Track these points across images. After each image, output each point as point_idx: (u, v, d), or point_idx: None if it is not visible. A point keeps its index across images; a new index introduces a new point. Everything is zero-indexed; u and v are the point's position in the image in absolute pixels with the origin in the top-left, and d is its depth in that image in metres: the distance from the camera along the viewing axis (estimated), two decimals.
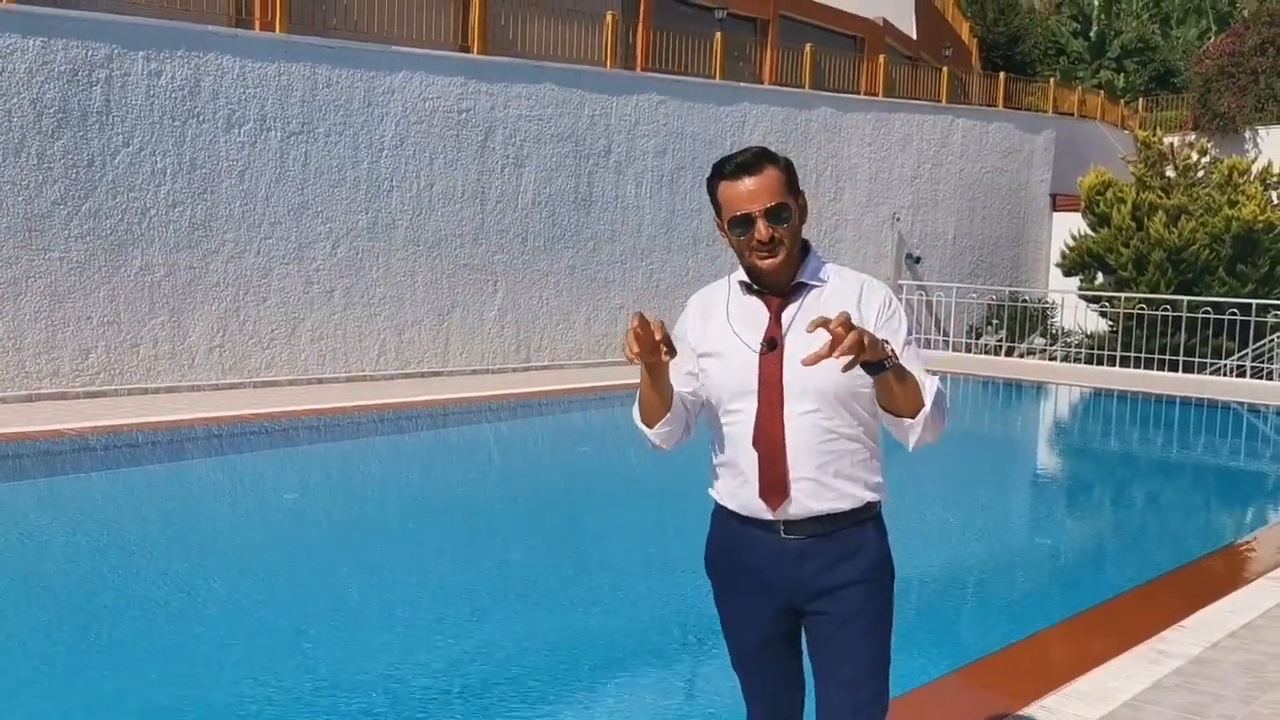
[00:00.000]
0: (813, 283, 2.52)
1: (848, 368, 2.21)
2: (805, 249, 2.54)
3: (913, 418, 2.43)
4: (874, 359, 2.28)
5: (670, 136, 15.83)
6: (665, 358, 2.40)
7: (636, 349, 2.35)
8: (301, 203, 12.20)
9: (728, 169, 2.48)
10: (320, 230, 12.37)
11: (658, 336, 2.37)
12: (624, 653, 5.24)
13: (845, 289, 2.52)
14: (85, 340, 10.73)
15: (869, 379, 2.40)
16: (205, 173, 11.45)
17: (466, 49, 14.60)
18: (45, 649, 5.03)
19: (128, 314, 10.99)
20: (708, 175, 2.55)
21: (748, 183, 2.45)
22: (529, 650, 5.12)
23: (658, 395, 2.54)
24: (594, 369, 14.54)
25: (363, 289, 12.79)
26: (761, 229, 2.44)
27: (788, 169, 2.51)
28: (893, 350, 2.33)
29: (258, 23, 12.49)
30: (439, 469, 10.00)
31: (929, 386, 2.43)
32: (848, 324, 2.18)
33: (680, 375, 2.60)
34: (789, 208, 2.47)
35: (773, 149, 2.56)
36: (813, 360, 2.22)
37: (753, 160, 2.47)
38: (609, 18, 16.03)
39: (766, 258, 2.46)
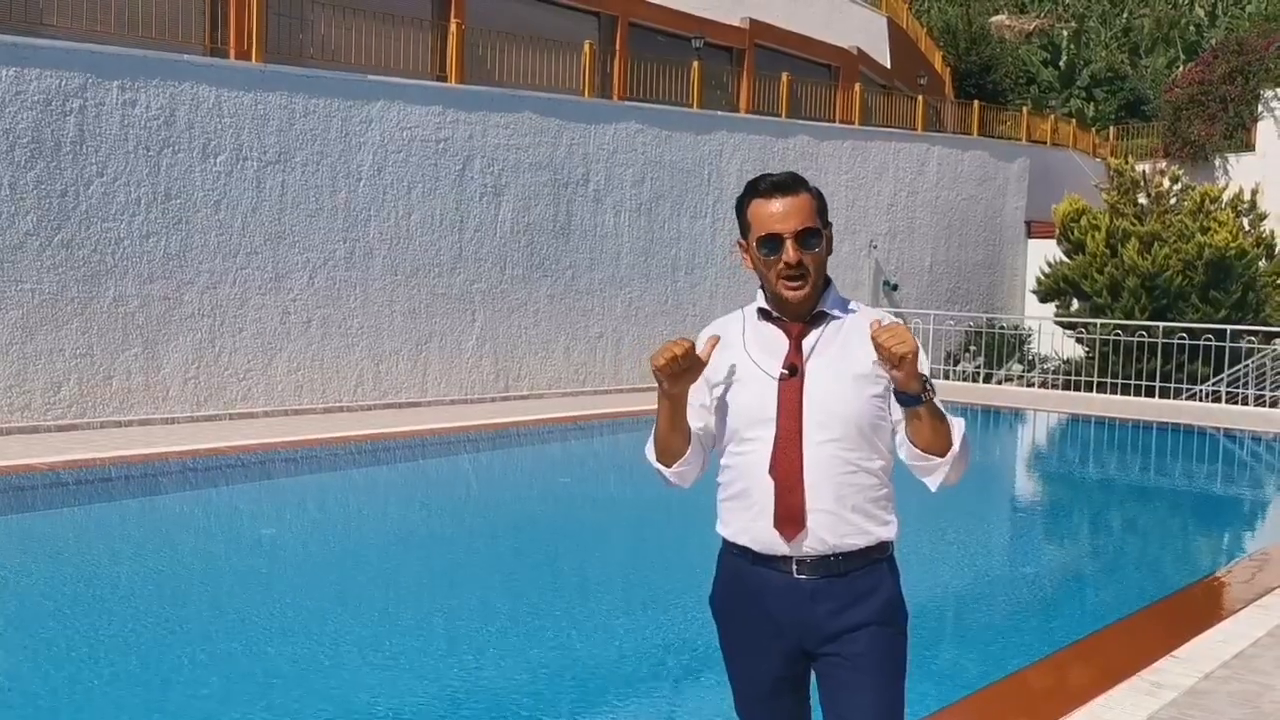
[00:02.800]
0: (834, 313, 2.49)
1: (894, 366, 2.26)
2: (826, 282, 2.51)
3: (941, 457, 2.39)
4: (913, 390, 2.27)
5: (648, 165, 15.85)
6: (693, 381, 2.40)
7: (664, 361, 2.34)
8: (278, 232, 12.10)
9: (762, 186, 2.45)
10: (297, 260, 12.27)
11: (702, 355, 2.37)
12: (609, 687, 5.16)
13: (864, 323, 2.48)
14: (57, 373, 10.57)
15: (887, 410, 2.39)
16: (180, 203, 11.35)
17: (444, 78, 14.59)
18: (15, 688, 4.89)
19: (101, 346, 10.84)
20: (739, 194, 2.52)
21: (782, 203, 2.42)
22: (511, 683, 5.03)
23: (678, 432, 2.49)
24: (573, 398, 14.46)
25: (340, 319, 12.69)
26: (790, 251, 2.40)
27: (819, 197, 2.49)
28: (931, 386, 2.30)
29: (233, 52, 12.43)
30: (418, 501, 9.89)
31: (956, 426, 2.40)
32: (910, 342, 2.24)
33: (694, 409, 2.54)
34: (819, 234, 2.45)
35: (751, 178, 2.55)
36: (876, 328, 2.29)
37: (788, 181, 2.45)
38: (586, 47, 16.07)
39: (797, 288, 2.42)
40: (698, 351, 2.38)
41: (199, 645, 5.53)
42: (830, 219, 2.54)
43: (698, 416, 2.55)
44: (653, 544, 7.88)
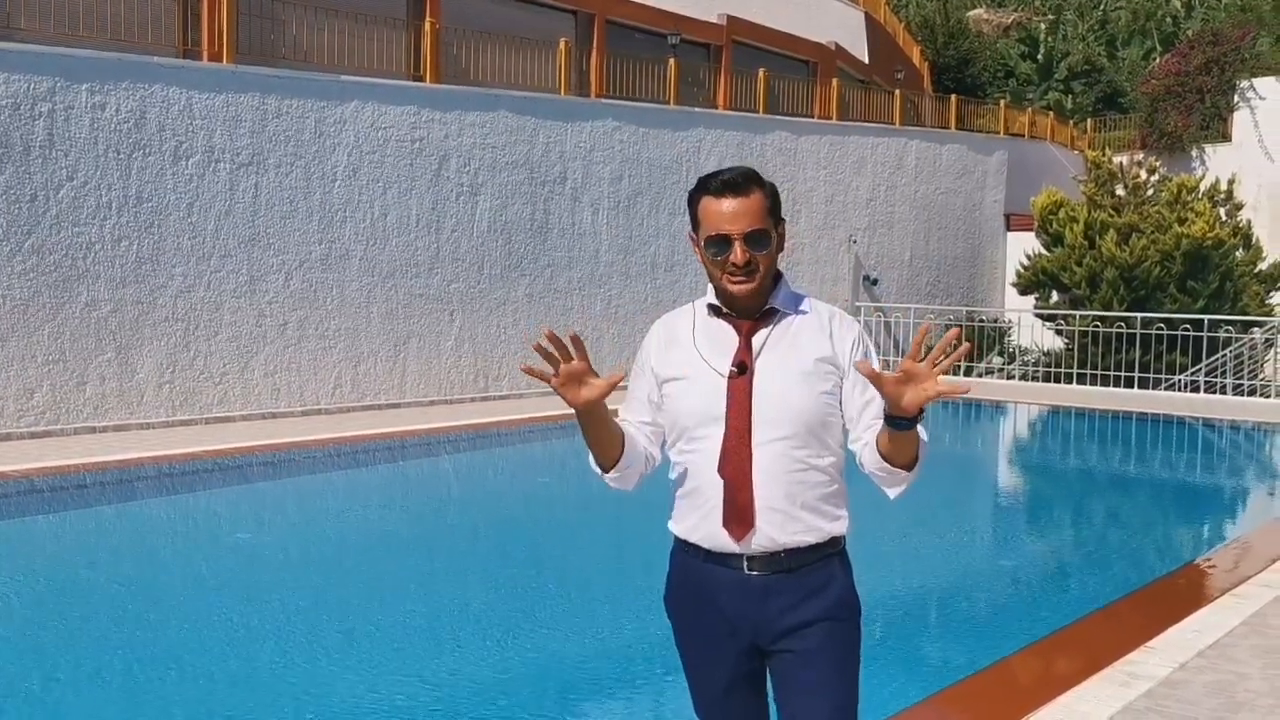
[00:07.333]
0: (784, 310, 2.46)
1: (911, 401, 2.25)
2: (776, 277, 2.48)
3: (907, 470, 2.37)
4: (911, 414, 2.25)
5: (626, 162, 15.81)
6: (590, 394, 2.36)
7: (555, 375, 2.34)
8: (252, 235, 12.02)
9: (713, 185, 2.42)
10: (272, 262, 12.19)
11: (576, 348, 2.34)
12: (586, 687, 5.13)
13: (817, 320, 2.46)
14: (29, 379, 10.47)
15: (838, 407, 2.37)
16: (152, 206, 11.25)
17: (419, 77, 14.52)
18: None
19: (73, 351, 10.74)
20: (691, 188, 2.48)
21: (731, 203, 2.39)
22: (491, 684, 4.99)
23: (605, 440, 2.47)
24: (553, 398, 14.35)
25: (317, 321, 12.61)
26: (738, 252, 2.37)
27: (773, 195, 2.46)
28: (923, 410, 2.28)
29: (205, 53, 12.34)
30: (397, 503, 9.83)
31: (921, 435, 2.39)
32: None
33: (641, 403, 2.53)
34: (769, 234, 2.42)
35: (704, 174, 2.52)
36: (869, 372, 2.27)
37: (740, 180, 2.41)
38: (562, 45, 16.02)
39: (741, 282, 2.39)
40: (566, 358, 2.35)
41: (178, 651, 5.48)
42: (784, 215, 2.51)
43: (644, 411, 2.53)
44: (632, 542, 7.84)
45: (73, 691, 4.99)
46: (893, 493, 2.44)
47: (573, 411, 2.42)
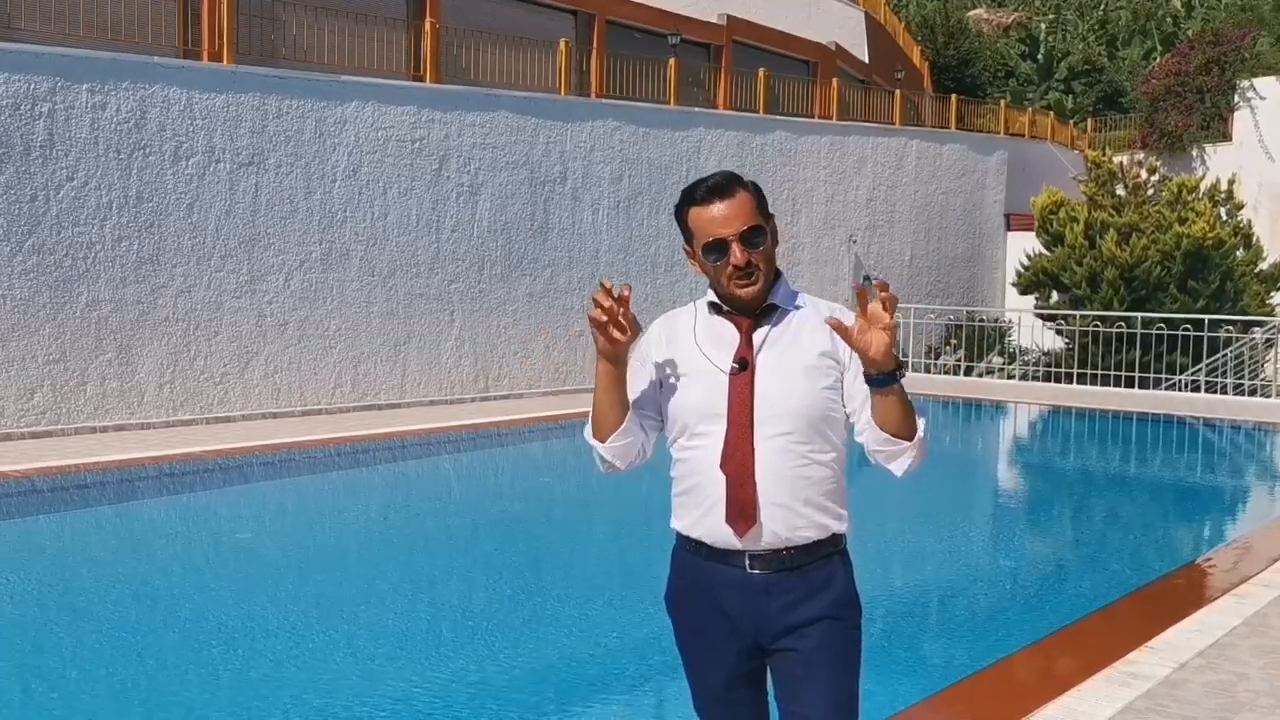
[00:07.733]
0: (785, 306, 2.47)
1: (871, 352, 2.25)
2: (775, 274, 2.49)
3: (909, 440, 2.35)
4: (888, 368, 2.25)
5: (626, 162, 15.81)
6: (623, 338, 2.35)
7: (606, 305, 2.32)
8: (253, 235, 12.02)
9: (698, 193, 2.43)
10: (273, 262, 12.19)
11: (621, 303, 2.33)
12: (586, 687, 5.13)
13: (816, 316, 2.46)
14: (30, 379, 10.47)
15: (839, 402, 2.36)
16: (152, 206, 11.25)
17: (419, 78, 14.52)
18: None
19: (74, 351, 10.75)
20: (676, 202, 2.49)
21: (720, 207, 2.40)
22: (491, 684, 4.99)
23: (615, 400, 2.45)
24: (554, 397, 14.42)
25: (317, 321, 12.61)
26: (737, 253, 2.38)
27: (757, 192, 2.47)
28: (902, 364, 2.30)
29: (205, 53, 12.34)
30: (398, 503, 9.83)
31: (919, 412, 2.39)
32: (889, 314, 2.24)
33: (640, 399, 2.51)
34: (763, 230, 2.42)
35: (686, 185, 2.52)
36: (836, 324, 2.29)
37: (723, 184, 2.42)
38: (562, 45, 16.02)
39: (747, 286, 2.40)
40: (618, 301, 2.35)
41: (177, 651, 5.48)
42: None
43: (646, 402, 2.51)
44: (633, 541, 7.85)
45: (72, 692, 4.99)
46: (899, 468, 2.39)
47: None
